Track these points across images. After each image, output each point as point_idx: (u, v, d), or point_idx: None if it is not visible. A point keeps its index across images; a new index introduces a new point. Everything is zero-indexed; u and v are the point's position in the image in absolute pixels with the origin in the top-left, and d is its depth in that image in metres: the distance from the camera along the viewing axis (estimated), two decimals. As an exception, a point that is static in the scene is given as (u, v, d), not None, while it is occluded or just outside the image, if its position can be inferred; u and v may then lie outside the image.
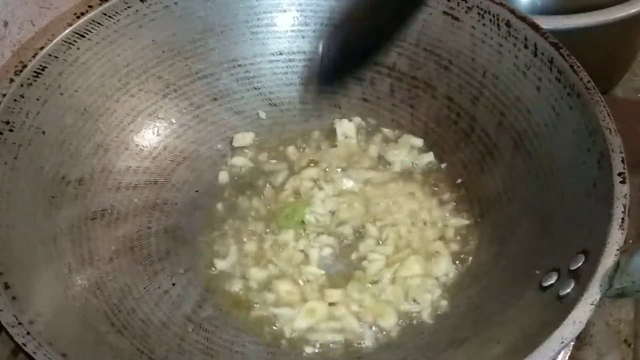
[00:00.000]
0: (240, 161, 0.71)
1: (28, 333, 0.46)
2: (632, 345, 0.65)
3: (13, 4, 0.71)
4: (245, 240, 0.66)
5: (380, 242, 0.65)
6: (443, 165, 0.69)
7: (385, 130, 0.73)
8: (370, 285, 0.62)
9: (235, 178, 0.70)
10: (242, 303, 0.62)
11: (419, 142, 0.71)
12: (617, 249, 0.48)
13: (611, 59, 0.81)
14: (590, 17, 0.69)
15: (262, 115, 0.73)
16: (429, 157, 0.70)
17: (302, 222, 0.66)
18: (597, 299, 0.46)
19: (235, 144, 0.72)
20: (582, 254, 0.50)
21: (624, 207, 0.50)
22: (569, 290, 0.49)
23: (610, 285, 0.47)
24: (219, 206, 0.68)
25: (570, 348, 0.60)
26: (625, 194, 0.50)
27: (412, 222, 0.66)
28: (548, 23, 0.62)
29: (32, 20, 0.74)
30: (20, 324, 0.46)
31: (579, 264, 0.50)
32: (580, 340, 0.64)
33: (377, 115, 0.73)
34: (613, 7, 0.70)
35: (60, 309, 0.53)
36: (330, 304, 0.61)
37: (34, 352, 0.45)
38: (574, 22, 0.68)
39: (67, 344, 0.48)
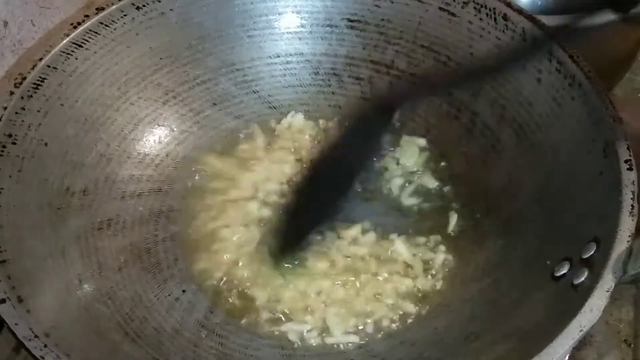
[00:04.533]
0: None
1: (45, 345, 0.45)
2: (632, 345, 0.65)
3: (13, 3, 0.70)
4: (247, 245, 0.65)
5: (383, 238, 0.65)
6: (446, 161, 0.70)
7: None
8: (375, 281, 0.62)
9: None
10: (251, 309, 0.61)
11: (421, 141, 0.71)
12: (629, 236, 0.48)
13: (611, 59, 0.81)
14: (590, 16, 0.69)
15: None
16: (432, 154, 0.70)
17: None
18: (612, 286, 0.47)
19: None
20: (594, 242, 0.50)
21: (633, 194, 0.50)
22: (582, 278, 0.49)
23: (625, 271, 0.47)
24: (227, 211, 0.68)
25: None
26: (634, 181, 0.51)
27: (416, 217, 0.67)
28: (548, 23, 0.62)
29: (32, 20, 0.74)
30: (36, 336, 0.46)
31: (591, 252, 0.50)
32: (580, 340, 0.64)
33: (377, 114, 0.73)
34: (613, 7, 0.70)
35: (74, 320, 0.53)
36: (339, 305, 0.61)
37: (53, 365, 0.45)
38: (574, 22, 0.68)
39: (83, 355, 0.47)
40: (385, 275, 0.63)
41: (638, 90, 0.90)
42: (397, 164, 0.70)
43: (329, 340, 0.59)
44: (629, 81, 0.89)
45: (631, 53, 0.85)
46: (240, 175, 0.70)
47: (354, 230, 0.65)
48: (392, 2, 0.69)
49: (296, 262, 0.64)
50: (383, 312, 0.61)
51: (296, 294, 0.62)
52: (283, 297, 0.62)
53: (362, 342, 0.59)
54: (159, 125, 0.69)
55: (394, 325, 0.60)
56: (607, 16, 0.69)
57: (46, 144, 0.60)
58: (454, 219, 0.66)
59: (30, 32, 0.74)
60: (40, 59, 0.61)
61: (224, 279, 0.63)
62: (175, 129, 0.70)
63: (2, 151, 0.56)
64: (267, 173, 0.70)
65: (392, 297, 0.62)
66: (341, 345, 0.59)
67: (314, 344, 0.59)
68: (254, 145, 0.72)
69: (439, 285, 0.63)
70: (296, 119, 0.74)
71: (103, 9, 0.64)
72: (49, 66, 0.61)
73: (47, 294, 0.53)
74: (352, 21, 0.71)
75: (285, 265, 0.63)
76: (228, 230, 0.66)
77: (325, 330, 0.60)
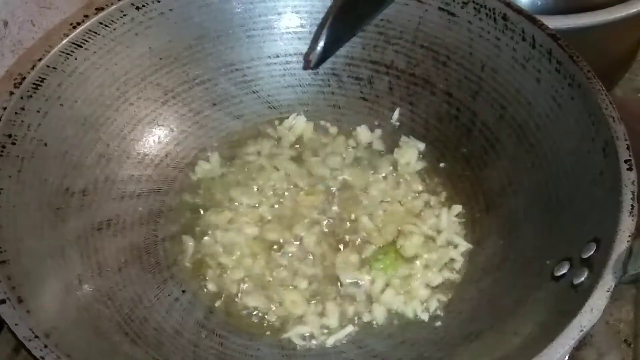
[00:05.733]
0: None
1: (46, 346, 0.45)
2: (632, 345, 0.66)
3: (13, 3, 0.71)
4: (249, 247, 0.65)
5: (383, 237, 0.65)
6: (446, 161, 0.70)
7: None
8: (377, 281, 0.63)
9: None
10: (251, 309, 0.62)
11: (420, 145, 0.71)
12: (629, 235, 0.48)
13: (611, 59, 0.81)
14: (590, 17, 0.69)
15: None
16: (430, 156, 0.71)
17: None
18: (613, 286, 0.47)
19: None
20: (594, 242, 0.50)
21: (633, 194, 0.50)
22: (582, 278, 0.49)
23: (625, 271, 0.47)
24: (225, 212, 0.68)
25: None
26: (633, 181, 0.51)
27: (417, 218, 0.67)
28: (548, 23, 0.62)
29: (32, 20, 0.74)
30: (37, 337, 0.46)
31: (591, 252, 0.50)
32: (580, 340, 0.64)
33: (376, 114, 0.73)
34: (613, 7, 0.70)
35: (74, 320, 0.53)
36: (339, 307, 0.62)
37: (53, 365, 0.45)
38: (573, 21, 0.68)
39: (84, 356, 0.47)
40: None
41: (638, 90, 0.90)
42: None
43: (329, 343, 0.59)
44: (628, 81, 0.89)
45: (631, 53, 0.86)
46: (241, 176, 0.70)
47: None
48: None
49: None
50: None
51: (293, 300, 0.62)
52: (284, 299, 0.62)
53: (360, 343, 0.59)
54: (158, 126, 0.69)
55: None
56: (607, 16, 0.69)
57: (46, 144, 0.60)
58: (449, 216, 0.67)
59: (30, 32, 0.75)
60: (40, 59, 0.61)
61: (225, 279, 0.63)
62: (174, 129, 0.70)
63: (2, 151, 0.56)
64: (268, 174, 0.70)
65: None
66: (345, 345, 0.59)
67: (314, 346, 0.59)
68: (255, 147, 0.73)
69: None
70: (298, 121, 0.74)
71: (102, 9, 0.64)
72: (48, 66, 0.61)
73: (47, 295, 0.53)
74: (351, 21, 0.71)
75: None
76: (228, 230, 0.66)
77: (324, 334, 0.60)
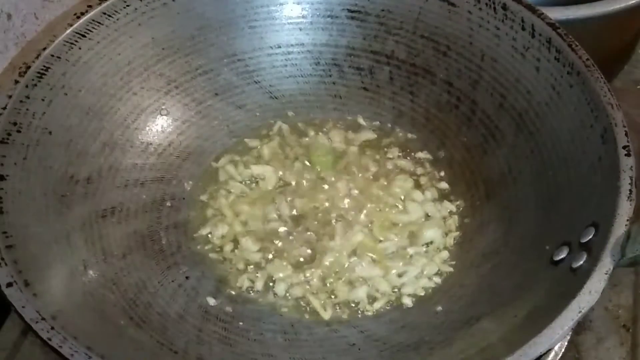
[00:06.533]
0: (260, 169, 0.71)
1: (52, 328, 0.46)
2: (630, 330, 0.66)
3: None
4: (250, 233, 0.66)
5: (386, 224, 0.66)
6: (446, 150, 0.71)
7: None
8: (380, 265, 0.63)
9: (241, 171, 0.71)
10: (254, 294, 0.63)
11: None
12: (627, 220, 0.49)
13: (610, 51, 0.81)
14: (590, 8, 0.69)
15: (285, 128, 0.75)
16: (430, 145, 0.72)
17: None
18: (611, 269, 0.47)
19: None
20: (592, 226, 0.51)
21: (631, 179, 0.51)
22: (581, 262, 0.49)
23: (623, 254, 0.47)
24: (225, 200, 0.68)
25: (570, 332, 0.61)
26: (632, 166, 0.51)
27: (418, 206, 0.67)
28: (548, 14, 0.62)
29: (35, 13, 0.74)
30: (43, 319, 0.46)
31: (590, 237, 0.50)
32: (580, 325, 0.65)
33: (377, 103, 0.74)
34: (612, -2, 0.70)
35: (80, 304, 0.53)
36: (341, 292, 0.62)
37: (60, 347, 0.45)
38: (573, 13, 0.68)
39: (90, 338, 0.47)
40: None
41: (637, 82, 0.91)
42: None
43: (331, 327, 0.60)
44: (628, 73, 0.90)
45: (630, 45, 0.86)
46: (243, 166, 0.71)
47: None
48: (392, -8, 0.70)
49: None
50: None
51: (294, 283, 0.63)
52: (282, 286, 0.63)
53: (362, 327, 0.59)
54: (161, 115, 0.70)
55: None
56: (605, 8, 0.70)
57: (50, 133, 0.60)
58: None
59: (34, 25, 0.75)
60: (44, 49, 0.61)
61: (227, 265, 0.64)
62: (177, 119, 0.71)
63: (7, 139, 0.56)
64: (269, 166, 0.71)
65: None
66: (347, 329, 0.59)
67: (316, 330, 0.59)
68: (258, 141, 0.74)
69: (439, 271, 0.64)
70: (299, 118, 0.75)
71: (106, -1, 0.65)
72: (52, 55, 0.61)
73: (53, 279, 0.53)
74: (352, 12, 0.72)
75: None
76: (230, 219, 0.67)
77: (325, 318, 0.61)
